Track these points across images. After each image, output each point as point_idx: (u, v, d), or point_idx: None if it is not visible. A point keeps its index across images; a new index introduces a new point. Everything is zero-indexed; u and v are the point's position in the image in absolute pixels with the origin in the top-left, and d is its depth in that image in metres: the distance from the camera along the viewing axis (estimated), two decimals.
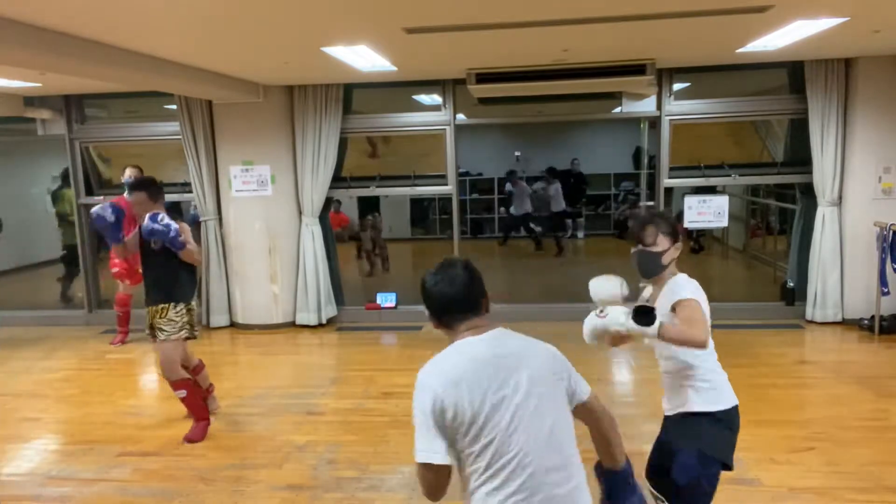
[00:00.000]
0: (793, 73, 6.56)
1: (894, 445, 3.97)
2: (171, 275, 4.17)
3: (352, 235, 11.15)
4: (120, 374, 5.86)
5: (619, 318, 2.24)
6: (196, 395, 4.37)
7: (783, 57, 5.99)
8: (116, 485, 3.80)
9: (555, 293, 8.78)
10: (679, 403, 2.53)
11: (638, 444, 4.15)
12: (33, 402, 5.20)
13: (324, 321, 7.02)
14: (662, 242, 2.48)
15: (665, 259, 2.49)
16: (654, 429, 4.30)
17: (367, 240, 10.38)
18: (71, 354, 6.42)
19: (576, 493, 1.83)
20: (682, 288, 2.40)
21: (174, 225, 3.99)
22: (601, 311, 2.31)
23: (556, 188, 11.66)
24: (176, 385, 4.26)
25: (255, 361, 6.13)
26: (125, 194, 6.30)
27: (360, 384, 5.30)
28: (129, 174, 6.28)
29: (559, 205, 11.73)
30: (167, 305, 4.18)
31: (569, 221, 12.69)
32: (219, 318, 7.12)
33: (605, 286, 2.39)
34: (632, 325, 2.20)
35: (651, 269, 2.52)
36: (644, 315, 2.19)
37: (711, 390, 2.50)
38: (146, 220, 3.99)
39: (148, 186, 4.19)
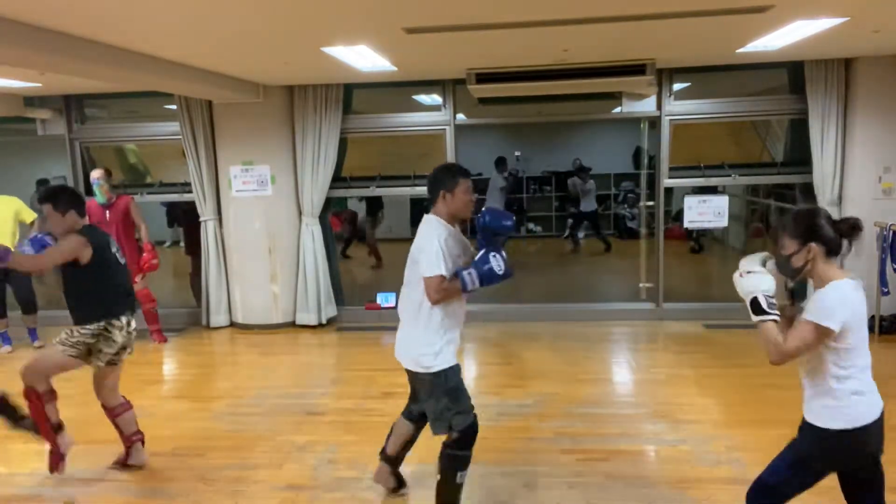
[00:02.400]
0: (793, 73, 6.56)
1: (894, 445, 3.96)
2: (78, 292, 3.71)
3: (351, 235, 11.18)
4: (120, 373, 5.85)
5: (747, 286, 2.57)
6: (40, 414, 3.81)
7: (783, 57, 5.99)
8: (116, 485, 3.80)
9: (554, 293, 8.78)
10: None
11: (639, 444, 4.16)
12: None
13: (324, 321, 7.02)
14: (789, 245, 2.44)
15: (795, 262, 2.44)
16: (654, 429, 4.32)
17: (370, 236, 10.55)
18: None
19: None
20: (815, 303, 2.38)
21: None
22: (745, 272, 2.59)
23: (591, 185, 11.36)
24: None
25: (254, 361, 6.13)
26: (95, 197, 6.25)
27: (360, 384, 5.30)
28: (94, 176, 6.21)
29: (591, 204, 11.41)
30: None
31: (569, 221, 12.67)
32: (219, 318, 7.12)
33: (752, 258, 2.62)
34: (746, 299, 2.56)
35: (784, 271, 2.54)
36: (755, 305, 2.53)
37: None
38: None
39: (71, 201, 3.67)
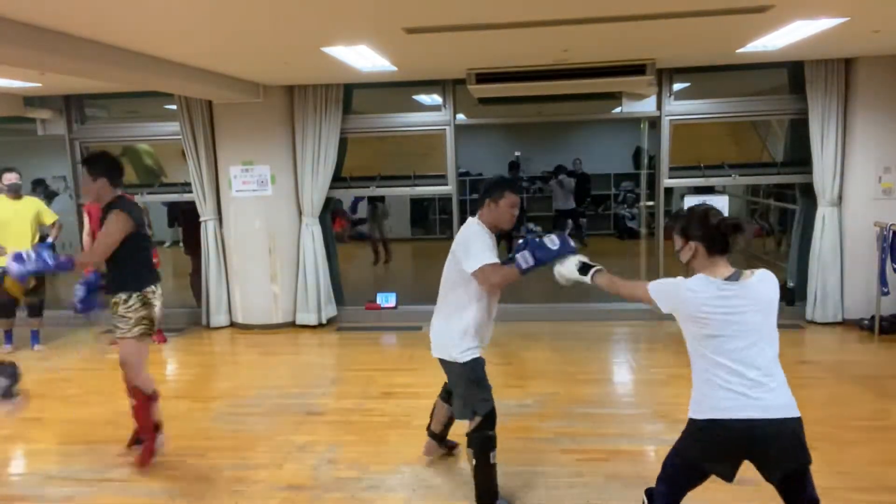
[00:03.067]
0: (793, 73, 6.56)
1: (894, 445, 3.97)
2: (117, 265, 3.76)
3: (352, 236, 11.18)
4: (120, 374, 5.85)
5: (564, 269, 3.00)
6: (146, 410, 3.93)
7: (783, 57, 5.99)
8: (116, 485, 3.80)
9: (554, 293, 8.77)
10: None
11: (638, 444, 4.16)
12: (33, 402, 5.16)
13: (324, 321, 7.02)
14: (677, 241, 2.58)
15: (682, 257, 2.56)
16: (654, 429, 4.32)
17: (374, 230, 10.60)
18: (71, 354, 6.42)
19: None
20: (661, 280, 2.61)
21: (46, 253, 3.53)
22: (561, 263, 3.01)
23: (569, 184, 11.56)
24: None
25: (255, 361, 6.13)
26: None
27: (360, 384, 5.30)
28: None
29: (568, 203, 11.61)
30: (117, 299, 3.79)
31: (569, 221, 12.67)
32: (219, 318, 7.12)
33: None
34: (573, 271, 2.95)
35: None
36: (584, 266, 2.94)
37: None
38: (12, 265, 3.50)
39: (106, 167, 3.69)
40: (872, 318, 6.20)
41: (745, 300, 2.40)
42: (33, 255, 3.50)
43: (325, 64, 5.30)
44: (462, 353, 3.36)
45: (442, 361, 3.48)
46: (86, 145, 7.41)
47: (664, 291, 2.54)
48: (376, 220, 10.89)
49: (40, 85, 6.13)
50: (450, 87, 6.85)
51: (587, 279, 2.89)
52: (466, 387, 3.38)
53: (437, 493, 3.57)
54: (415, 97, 7.37)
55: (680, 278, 2.51)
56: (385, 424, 4.51)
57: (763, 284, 2.46)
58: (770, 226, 10.58)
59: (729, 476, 2.53)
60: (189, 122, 6.88)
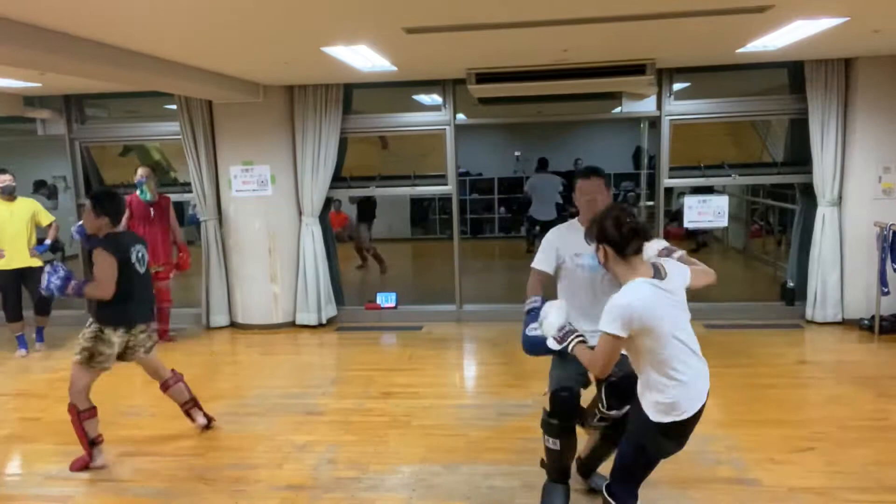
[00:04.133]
0: (793, 73, 6.56)
1: (894, 445, 3.97)
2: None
3: (352, 235, 11.15)
4: (120, 374, 5.84)
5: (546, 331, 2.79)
6: (78, 424, 4.00)
7: (783, 57, 5.99)
8: (116, 485, 3.80)
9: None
10: None
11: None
12: (33, 402, 5.20)
13: (324, 321, 7.02)
14: (591, 245, 2.61)
15: (600, 260, 2.58)
16: None
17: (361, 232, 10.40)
18: (71, 354, 6.39)
19: None
20: (604, 313, 2.43)
21: (58, 280, 3.84)
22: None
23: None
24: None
25: (255, 361, 6.13)
26: (137, 192, 6.33)
27: (360, 384, 5.30)
28: (141, 174, 6.29)
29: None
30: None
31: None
32: (219, 318, 7.12)
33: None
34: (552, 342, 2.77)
35: None
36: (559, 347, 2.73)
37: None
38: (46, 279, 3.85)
39: (112, 209, 3.92)
40: (872, 318, 6.20)
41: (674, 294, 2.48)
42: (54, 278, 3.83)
43: (325, 64, 5.30)
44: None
45: None
46: (85, 145, 7.42)
47: (614, 316, 2.38)
48: (365, 221, 10.35)
49: (40, 85, 6.13)
50: (450, 87, 6.85)
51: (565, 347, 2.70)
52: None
53: (437, 493, 3.57)
54: (415, 97, 7.37)
55: (619, 293, 2.43)
56: (385, 424, 4.51)
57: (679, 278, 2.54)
58: (770, 226, 10.58)
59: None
60: (189, 122, 6.87)
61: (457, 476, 3.74)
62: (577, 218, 3.35)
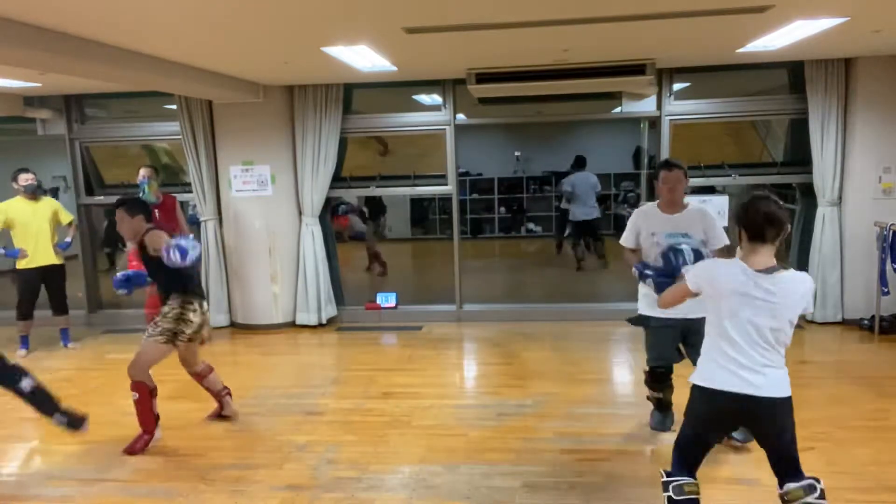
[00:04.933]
0: (793, 73, 6.56)
1: (894, 445, 3.97)
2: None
3: (352, 236, 11.13)
4: (120, 374, 5.83)
5: None
6: (147, 403, 4.20)
7: (783, 57, 5.99)
8: (116, 485, 3.80)
9: (554, 293, 8.78)
10: None
11: (638, 444, 4.16)
12: None
13: (324, 321, 7.03)
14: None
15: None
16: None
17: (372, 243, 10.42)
18: (71, 354, 6.42)
19: None
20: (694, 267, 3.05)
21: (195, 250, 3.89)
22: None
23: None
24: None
25: (255, 361, 6.13)
26: (140, 195, 6.30)
27: (360, 384, 5.30)
28: (143, 175, 6.25)
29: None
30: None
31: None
32: (219, 318, 7.11)
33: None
34: None
35: None
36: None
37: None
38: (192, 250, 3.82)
39: (143, 208, 4.20)
40: (872, 318, 6.20)
41: (772, 294, 2.56)
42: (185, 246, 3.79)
43: (325, 64, 5.30)
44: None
45: None
46: (85, 145, 7.42)
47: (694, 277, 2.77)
48: (372, 220, 10.52)
49: (40, 85, 6.13)
50: (450, 87, 6.85)
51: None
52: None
53: (437, 493, 3.57)
54: (415, 97, 7.37)
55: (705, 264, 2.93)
56: (385, 424, 4.51)
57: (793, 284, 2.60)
58: None
59: (718, 439, 2.92)
60: (189, 122, 6.88)
61: (457, 476, 3.73)
62: (656, 202, 4.01)
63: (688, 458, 2.77)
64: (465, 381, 5.68)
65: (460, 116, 7.00)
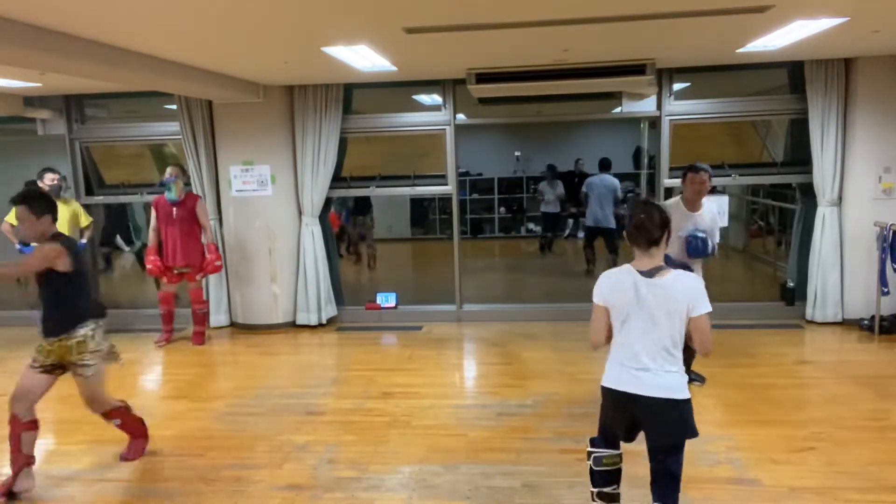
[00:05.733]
0: (793, 73, 6.56)
1: (894, 445, 3.97)
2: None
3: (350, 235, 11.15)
4: (120, 374, 5.86)
5: None
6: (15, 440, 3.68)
7: (783, 57, 5.99)
8: (116, 485, 3.80)
9: (554, 293, 8.77)
10: None
11: (638, 444, 4.15)
12: None
13: (324, 321, 7.03)
14: None
15: None
16: None
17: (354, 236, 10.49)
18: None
19: None
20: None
21: None
22: None
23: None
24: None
25: (255, 361, 6.13)
26: (166, 193, 6.31)
27: (360, 384, 5.30)
28: (170, 173, 6.26)
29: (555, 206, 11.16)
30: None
31: (570, 221, 12.66)
32: (219, 318, 7.12)
33: None
34: None
35: None
36: None
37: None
38: None
39: (49, 206, 3.58)
40: (872, 318, 6.20)
41: (654, 294, 2.69)
42: None
43: (325, 64, 5.30)
44: None
45: None
46: (85, 145, 7.42)
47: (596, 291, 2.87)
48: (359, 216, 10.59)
49: (40, 85, 6.13)
50: (450, 87, 6.85)
51: None
52: None
53: (437, 493, 3.57)
54: (415, 97, 7.37)
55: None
56: (385, 424, 4.51)
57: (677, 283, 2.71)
58: (770, 226, 10.58)
59: (625, 437, 2.90)
60: (189, 122, 6.88)
61: (457, 476, 3.73)
62: (679, 197, 4.60)
63: (606, 436, 2.95)
64: (465, 381, 5.68)
65: (460, 116, 7.00)
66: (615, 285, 2.76)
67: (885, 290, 6.04)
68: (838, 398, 4.71)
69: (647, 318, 2.69)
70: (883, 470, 3.65)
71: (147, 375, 5.92)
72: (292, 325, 7.09)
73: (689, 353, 4.50)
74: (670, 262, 3.72)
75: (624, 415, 2.79)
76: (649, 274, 2.69)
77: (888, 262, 5.97)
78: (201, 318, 6.64)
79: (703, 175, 4.54)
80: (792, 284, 6.85)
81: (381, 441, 4.25)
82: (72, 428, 4.62)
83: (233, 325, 7.19)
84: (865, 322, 6.29)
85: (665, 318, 2.66)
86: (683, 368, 2.75)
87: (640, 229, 2.69)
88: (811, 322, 6.52)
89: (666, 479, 2.72)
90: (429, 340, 6.58)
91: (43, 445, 4.43)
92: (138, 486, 3.78)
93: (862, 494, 3.42)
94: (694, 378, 4.73)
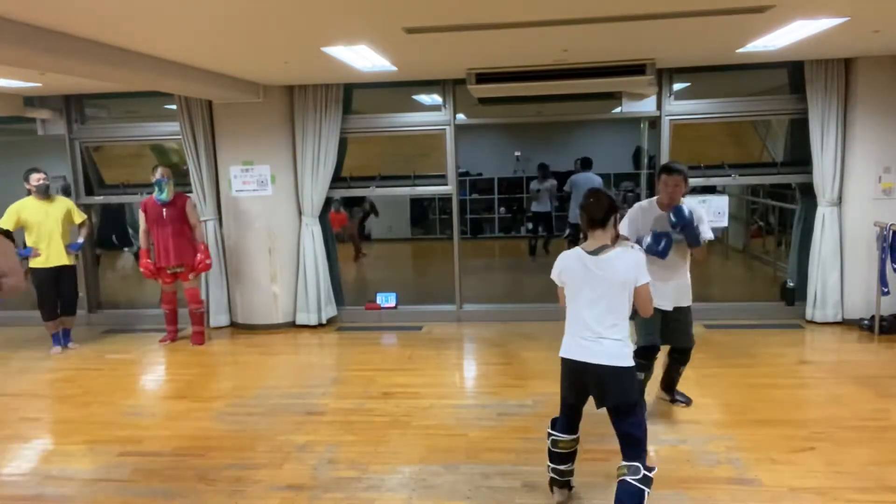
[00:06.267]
0: (793, 73, 6.56)
1: (894, 445, 3.97)
2: None
3: (351, 235, 11.15)
4: (120, 374, 5.87)
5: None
6: None
7: (783, 57, 5.99)
8: (116, 485, 3.80)
9: (555, 293, 8.76)
10: None
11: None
12: (33, 402, 5.20)
13: (324, 321, 7.03)
14: None
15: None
16: (654, 429, 4.30)
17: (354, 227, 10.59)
18: (71, 354, 6.42)
19: None
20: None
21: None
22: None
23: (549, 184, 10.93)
24: None
25: (255, 361, 6.13)
26: (155, 194, 6.32)
27: (360, 384, 5.30)
28: (162, 173, 6.28)
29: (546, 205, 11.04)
30: None
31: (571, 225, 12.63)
32: (219, 318, 7.12)
33: None
34: None
35: None
36: None
37: None
38: None
39: None
40: (872, 318, 6.20)
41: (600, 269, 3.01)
42: None
43: (325, 64, 5.30)
44: None
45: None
46: (85, 145, 7.42)
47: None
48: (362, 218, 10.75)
49: (40, 85, 6.13)
50: (450, 87, 6.85)
51: None
52: None
53: (437, 493, 3.57)
54: (415, 97, 7.37)
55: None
56: (385, 424, 4.51)
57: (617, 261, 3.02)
58: (770, 226, 10.58)
59: (577, 401, 3.23)
60: (189, 122, 6.88)
61: (457, 476, 3.73)
62: (655, 198, 4.28)
63: (566, 417, 3.26)
64: (465, 381, 5.68)
65: (460, 116, 7.00)
66: (566, 265, 3.12)
67: (885, 290, 6.04)
68: (838, 398, 4.71)
69: (593, 292, 3.02)
70: (883, 470, 3.65)
71: (147, 375, 5.92)
72: (292, 326, 7.09)
73: (672, 375, 4.66)
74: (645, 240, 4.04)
75: (575, 381, 3.12)
76: (595, 252, 3.02)
77: (888, 262, 5.97)
78: (199, 318, 6.65)
79: (678, 177, 4.11)
80: (792, 284, 6.85)
81: (381, 441, 4.25)
82: (72, 428, 4.62)
83: (233, 325, 7.19)
84: (865, 322, 6.29)
85: (609, 291, 3.00)
86: (628, 339, 3.04)
87: (585, 211, 3.05)
88: (811, 322, 6.52)
89: (627, 441, 3.03)
90: (429, 340, 6.58)
91: (43, 445, 4.44)
92: (138, 486, 3.78)
93: (862, 494, 3.42)
94: (679, 399, 4.67)
